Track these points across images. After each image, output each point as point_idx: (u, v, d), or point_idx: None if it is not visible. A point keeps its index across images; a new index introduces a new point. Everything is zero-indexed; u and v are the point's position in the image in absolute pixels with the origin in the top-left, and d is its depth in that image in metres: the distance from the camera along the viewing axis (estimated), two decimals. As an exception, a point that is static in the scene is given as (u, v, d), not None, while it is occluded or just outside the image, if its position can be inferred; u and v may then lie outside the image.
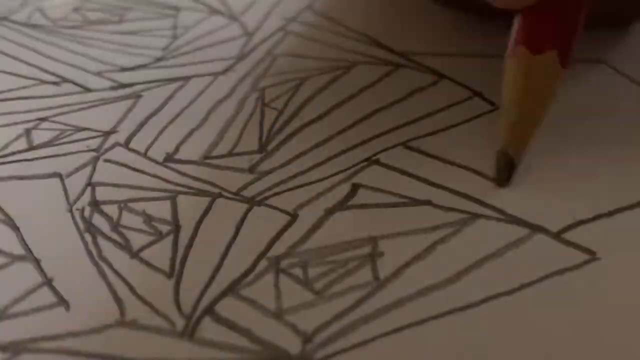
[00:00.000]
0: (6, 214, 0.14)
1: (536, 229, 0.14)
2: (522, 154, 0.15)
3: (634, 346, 0.12)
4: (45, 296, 0.13)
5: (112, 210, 0.15)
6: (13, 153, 0.16)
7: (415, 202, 0.15)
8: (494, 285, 0.13)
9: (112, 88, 0.18)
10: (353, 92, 0.18)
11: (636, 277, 0.13)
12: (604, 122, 0.17)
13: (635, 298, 0.13)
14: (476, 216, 0.14)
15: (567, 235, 0.14)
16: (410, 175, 0.16)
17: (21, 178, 0.15)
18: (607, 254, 0.14)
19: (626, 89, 0.18)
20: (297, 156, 0.16)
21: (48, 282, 0.13)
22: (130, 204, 0.15)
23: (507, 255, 0.14)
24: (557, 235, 0.14)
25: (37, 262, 0.13)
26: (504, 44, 0.15)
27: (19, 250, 0.14)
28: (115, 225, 0.14)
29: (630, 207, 0.15)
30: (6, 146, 0.16)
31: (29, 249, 0.14)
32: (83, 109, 0.17)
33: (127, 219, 0.14)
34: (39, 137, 0.16)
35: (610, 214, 0.15)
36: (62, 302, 0.13)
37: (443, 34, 0.19)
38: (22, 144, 0.16)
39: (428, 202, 0.15)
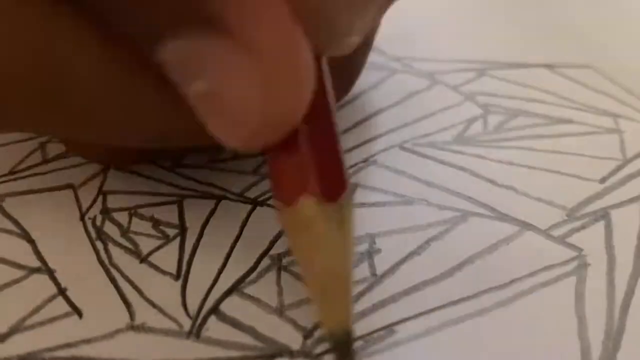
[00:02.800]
0: (22, 228, 0.14)
1: (526, 226, 0.14)
2: (351, 320, 0.12)
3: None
4: (59, 306, 0.13)
5: (122, 217, 0.15)
6: (29, 167, 0.16)
7: (411, 200, 0.15)
8: (485, 280, 0.13)
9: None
10: (351, 96, 0.18)
11: (621, 274, 0.13)
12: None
13: (619, 293, 0.13)
14: (468, 214, 0.14)
15: (555, 233, 0.14)
16: (405, 174, 0.16)
17: (36, 191, 0.15)
18: (594, 251, 0.14)
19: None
20: (298, 158, 0.16)
21: (62, 292, 0.13)
22: (139, 210, 0.15)
23: (498, 251, 0.14)
24: (546, 233, 0.14)
25: (51, 273, 0.13)
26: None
27: (34, 262, 0.14)
28: (125, 232, 0.14)
29: (620, 204, 0.15)
30: (22, 161, 0.16)
31: (44, 260, 0.14)
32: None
33: (137, 224, 0.14)
34: (53, 149, 0.16)
35: (598, 212, 0.14)
36: (75, 310, 0.13)
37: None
38: (37, 157, 0.16)
39: (423, 201, 0.15)
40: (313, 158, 0.11)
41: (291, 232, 0.11)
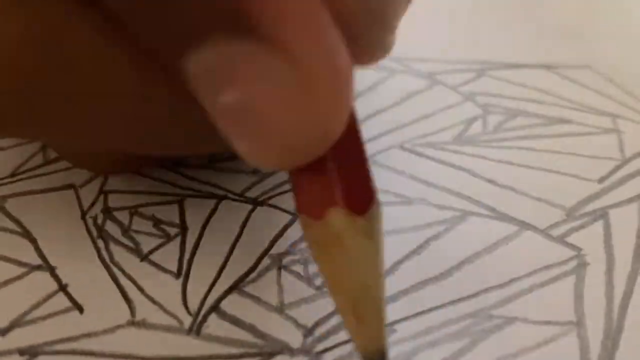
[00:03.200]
0: (23, 227, 0.14)
1: (525, 226, 0.14)
2: (385, 337, 0.11)
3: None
4: (60, 301, 0.13)
5: (123, 216, 0.15)
6: (30, 169, 0.16)
7: (410, 200, 0.15)
8: (485, 280, 0.13)
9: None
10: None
11: (619, 274, 0.13)
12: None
13: (618, 293, 0.13)
14: (468, 214, 0.14)
15: (554, 232, 0.14)
16: (405, 174, 0.16)
17: (37, 192, 0.15)
18: (592, 251, 0.14)
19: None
20: (299, 158, 0.16)
21: (63, 288, 0.13)
22: (140, 209, 0.15)
23: (497, 251, 0.14)
24: (545, 232, 0.14)
25: (52, 270, 0.13)
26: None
27: (35, 260, 0.14)
28: (126, 230, 0.14)
29: (619, 204, 0.15)
30: (23, 164, 0.16)
31: (45, 258, 0.14)
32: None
33: (138, 223, 0.14)
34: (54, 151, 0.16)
35: (596, 212, 0.14)
36: (76, 306, 0.13)
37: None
38: (38, 159, 0.16)
39: (422, 200, 0.15)
40: (340, 170, 0.10)
41: (320, 247, 0.10)
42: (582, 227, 0.14)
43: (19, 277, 0.13)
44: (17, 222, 0.14)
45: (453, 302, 0.13)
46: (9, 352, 0.12)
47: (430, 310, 0.13)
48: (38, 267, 0.13)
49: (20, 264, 0.14)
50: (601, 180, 0.15)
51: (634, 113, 0.17)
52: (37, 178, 0.15)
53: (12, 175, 0.15)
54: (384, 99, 0.18)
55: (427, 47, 0.19)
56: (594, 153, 0.16)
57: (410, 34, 0.20)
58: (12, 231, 0.14)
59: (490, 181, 0.15)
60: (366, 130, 0.17)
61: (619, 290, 0.13)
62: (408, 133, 0.17)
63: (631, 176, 0.16)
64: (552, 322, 0.12)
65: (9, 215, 0.14)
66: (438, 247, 0.14)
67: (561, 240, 0.14)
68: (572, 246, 0.14)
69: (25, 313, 0.13)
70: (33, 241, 0.14)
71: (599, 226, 0.14)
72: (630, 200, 0.15)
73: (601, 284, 0.13)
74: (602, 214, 0.14)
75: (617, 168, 0.16)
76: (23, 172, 0.16)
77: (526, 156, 0.16)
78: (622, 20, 0.21)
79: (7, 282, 0.13)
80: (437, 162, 0.16)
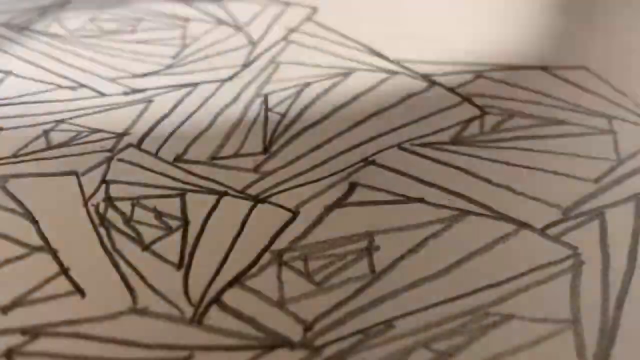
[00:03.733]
0: (25, 208, 0.14)
1: (522, 225, 0.14)
2: None
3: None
4: (62, 285, 0.13)
5: (125, 206, 0.14)
6: (33, 152, 0.16)
7: (409, 199, 0.15)
8: (482, 278, 0.13)
9: (125, 93, 0.18)
10: (350, 97, 0.18)
11: (615, 272, 0.13)
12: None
13: (613, 291, 0.13)
14: (466, 213, 0.14)
15: (551, 232, 0.14)
16: (404, 174, 0.16)
17: (39, 175, 0.15)
18: (588, 250, 0.14)
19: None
20: (299, 157, 0.16)
21: (65, 271, 0.13)
22: (142, 201, 0.15)
23: (495, 249, 0.14)
24: (542, 231, 0.14)
25: (54, 252, 0.13)
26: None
27: (37, 241, 0.14)
28: (128, 220, 0.14)
29: (615, 203, 0.15)
30: (26, 146, 0.16)
31: (47, 240, 0.14)
32: (98, 112, 0.17)
33: (139, 214, 0.14)
34: (57, 137, 0.16)
35: (592, 211, 0.15)
36: (78, 290, 0.13)
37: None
38: (41, 144, 0.16)
39: (421, 200, 0.15)
40: None
41: None
42: (578, 226, 0.14)
43: (20, 257, 0.13)
44: (18, 202, 0.14)
45: (451, 300, 0.13)
46: (11, 331, 0.12)
47: (428, 307, 0.13)
48: (39, 249, 0.13)
49: (21, 244, 0.14)
50: (597, 180, 0.15)
51: (628, 114, 0.17)
52: (39, 161, 0.15)
53: (14, 156, 0.15)
54: (383, 100, 0.18)
55: (425, 50, 0.20)
56: (590, 153, 0.16)
57: (408, 36, 0.20)
58: (13, 210, 0.14)
59: (487, 181, 0.15)
60: (365, 131, 0.17)
61: (614, 288, 0.13)
62: (407, 133, 0.17)
63: (626, 176, 0.16)
64: (548, 319, 0.12)
65: (10, 195, 0.14)
66: (436, 246, 0.14)
67: (557, 239, 0.14)
68: (568, 245, 0.14)
69: (27, 293, 0.13)
70: (34, 222, 0.14)
71: (594, 225, 0.14)
72: (625, 200, 0.15)
73: (597, 283, 0.13)
74: (598, 214, 0.15)
75: (613, 168, 0.16)
76: (25, 154, 0.16)
77: (523, 156, 0.16)
78: (616, 22, 0.21)
79: (8, 261, 0.13)
80: (435, 162, 0.16)
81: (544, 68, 0.19)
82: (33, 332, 0.12)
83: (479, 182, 0.15)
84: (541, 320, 0.12)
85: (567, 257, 0.14)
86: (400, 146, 0.16)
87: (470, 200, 0.15)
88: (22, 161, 0.15)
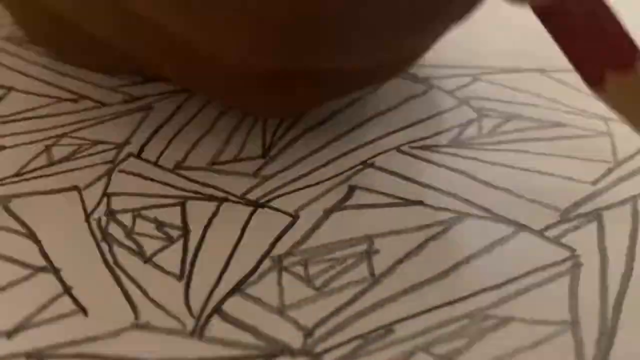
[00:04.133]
0: (28, 228, 0.14)
1: (520, 227, 0.14)
2: None
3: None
4: (65, 304, 0.13)
5: (126, 218, 0.14)
6: (35, 169, 0.16)
7: (408, 202, 0.15)
8: (482, 280, 0.13)
9: (126, 101, 0.18)
10: (349, 101, 0.18)
11: (613, 274, 0.13)
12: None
13: (612, 293, 0.13)
14: (465, 215, 0.15)
15: (549, 234, 0.14)
16: (403, 177, 0.16)
17: (42, 193, 0.15)
18: (586, 252, 0.14)
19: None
20: (298, 161, 0.16)
21: (67, 290, 0.13)
22: (143, 212, 0.15)
23: (494, 252, 0.14)
24: (540, 233, 0.14)
25: (57, 272, 0.13)
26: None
27: (40, 261, 0.14)
28: (129, 233, 0.14)
29: (612, 205, 0.15)
30: (28, 163, 0.16)
31: (50, 260, 0.14)
32: (99, 122, 0.17)
33: (141, 226, 0.14)
34: (59, 152, 0.16)
35: (590, 213, 0.15)
36: (81, 309, 0.13)
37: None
38: (43, 160, 0.16)
39: (420, 202, 0.15)
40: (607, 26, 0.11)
41: (633, 99, 0.11)
42: (576, 228, 0.14)
43: (24, 279, 0.13)
44: (21, 222, 0.14)
45: (450, 302, 0.13)
46: (16, 356, 0.12)
47: (428, 310, 0.13)
48: (43, 269, 0.13)
49: (25, 265, 0.14)
50: (595, 182, 0.15)
51: (626, 116, 0.17)
52: (41, 179, 0.15)
53: (17, 175, 0.15)
54: (382, 103, 0.18)
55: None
56: (588, 156, 0.16)
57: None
58: (16, 232, 0.14)
59: (486, 183, 0.15)
60: (365, 134, 0.17)
61: (612, 290, 0.13)
62: (405, 136, 0.17)
63: (623, 178, 0.16)
64: (547, 321, 0.12)
65: (13, 216, 0.14)
66: (436, 248, 0.14)
67: (556, 241, 0.14)
68: (566, 247, 0.14)
69: (31, 315, 0.13)
70: (37, 242, 0.14)
71: (592, 227, 0.14)
72: (623, 202, 0.15)
73: (595, 284, 0.13)
74: (595, 216, 0.15)
75: (610, 170, 0.16)
76: (27, 172, 0.15)
77: (521, 159, 0.16)
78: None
79: (12, 284, 0.13)
80: (434, 164, 0.16)
81: (541, 71, 0.19)
82: (37, 356, 0.12)
83: (477, 185, 0.15)
84: (540, 323, 0.12)
85: (566, 259, 0.14)
86: (399, 149, 0.16)
87: (469, 202, 0.15)
88: (25, 179, 0.15)
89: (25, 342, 0.12)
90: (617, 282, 0.13)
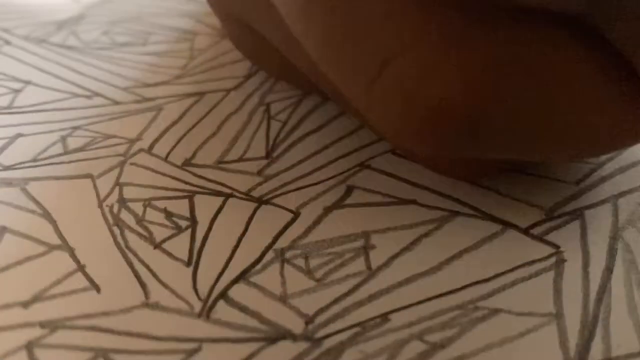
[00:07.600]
0: (44, 209, 0.14)
1: (508, 225, 0.14)
2: None
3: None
4: (79, 280, 0.13)
5: (137, 207, 0.14)
6: (51, 157, 0.16)
7: (402, 201, 0.15)
8: (472, 274, 0.13)
9: (137, 101, 0.18)
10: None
11: (594, 269, 0.13)
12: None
13: (593, 286, 0.13)
14: (456, 213, 0.14)
15: (535, 231, 0.14)
16: (397, 177, 0.16)
17: (57, 178, 0.15)
18: (570, 248, 0.14)
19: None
20: (299, 162, 0.16)
21: (81, 268, 0.13)
22: (153, 202, 0.15)
23: (483, 248, 0.14)
24: (526, 231, 0.14)
25: (71, 250, 0.13)
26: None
27: (55, 240, 0.13)
28: (140, 220, 0.14)
29: (594, 204, 0.15)
30: (44, 150, 0.16)
31: (65, 239, 0.13)
32: (112, 119, 0.17)
33: (151, 215, 0.14)
34: (73, 143, 0.16)
35: (574, 212, 0.15)
36: (94, 285, 0.13)
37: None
38: (58, 148, 0.16)
39: (413, 201, 0.15)
40: None
41: None
42: (560, 226, 0.14)
43: (40, 255, 0.13)
44: (38, 203, 0.14)
45: (443, 294, 0.13)
46: (31, 324, 0.12)
47: (422, 301, 0.13)
48: (58, 247, 0.13)
49: (41, 242, 0.13)
50: (578, 182, 0.15)
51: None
52: (56, 165, 0.15)
53: (34, 160, 0.15)
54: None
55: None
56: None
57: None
58: (33, 211, 0.14)
59: (475, 184, 0.15)
60: (361, 138, 0.17)
61: (594, 284, 0.13)
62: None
63: (604, 179, 0.16)
64: (533, 313, 0.12)
65: (30, 197, 0.14)
66: (429, 244, 0.14)
67: (541, 238, 0.14)
68: (551, 244, 0.14)
69: (46, 289, 0.12)
70: (53, 222, 0.14)
71: (576, 225, 0.14)
72: (604, 201, 0.15)
73: (578, 279, 0.13)
74: (578, 214, 0.15)
75: (592, 171, 0.16)
76: (44, 159, 0.15)
77: (508, 160, 0.16)
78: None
79: (29, 259, 0.13)
80: (426, 166, 0.16)
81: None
82: (52, 326, 0.12)
83: (466, 185, 0.15)
84: (526, 314, 0.12)
85: (550, 255, 0.14)
86: (393, 152, 0.16)
87: (459, 201, 0.15)
88: (41, 165, 0.15)
89: (40, 312, 0.12)
90: (598, 277, 0.13)
